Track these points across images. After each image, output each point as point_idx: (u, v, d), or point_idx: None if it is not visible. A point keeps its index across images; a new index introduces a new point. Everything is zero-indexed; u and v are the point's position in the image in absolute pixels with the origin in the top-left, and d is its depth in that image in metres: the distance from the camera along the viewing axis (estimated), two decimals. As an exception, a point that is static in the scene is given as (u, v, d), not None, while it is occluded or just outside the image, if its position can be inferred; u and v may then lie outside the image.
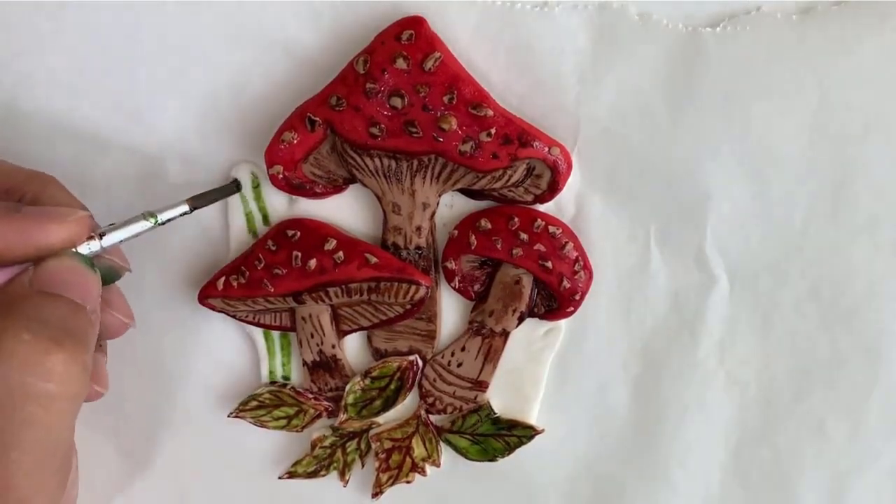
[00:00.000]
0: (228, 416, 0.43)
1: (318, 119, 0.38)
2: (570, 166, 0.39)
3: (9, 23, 0.39)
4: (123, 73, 0.40)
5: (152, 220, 0.36)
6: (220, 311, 0.41)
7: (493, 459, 0.42)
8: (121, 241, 0.35)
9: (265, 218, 0.41)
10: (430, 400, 0.42)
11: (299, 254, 0.39)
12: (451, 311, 0.42)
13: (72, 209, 0.34)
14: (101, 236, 0.34)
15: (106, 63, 0.39)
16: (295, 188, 0.39)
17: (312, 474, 0.43)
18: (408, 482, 0.43)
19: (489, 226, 0.39)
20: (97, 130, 0.40)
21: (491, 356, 0.41)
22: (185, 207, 0.37)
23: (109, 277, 0.36)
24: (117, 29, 0.39)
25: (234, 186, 0.40)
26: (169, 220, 0.36)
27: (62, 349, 0.31)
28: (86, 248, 0.34)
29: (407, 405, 0.43)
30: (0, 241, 0.32)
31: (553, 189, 0.39)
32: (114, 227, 0.35)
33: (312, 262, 0.39)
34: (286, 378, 0.43)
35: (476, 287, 0.41)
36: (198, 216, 0.41)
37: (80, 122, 0.40)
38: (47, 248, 0.32)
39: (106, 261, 0.35)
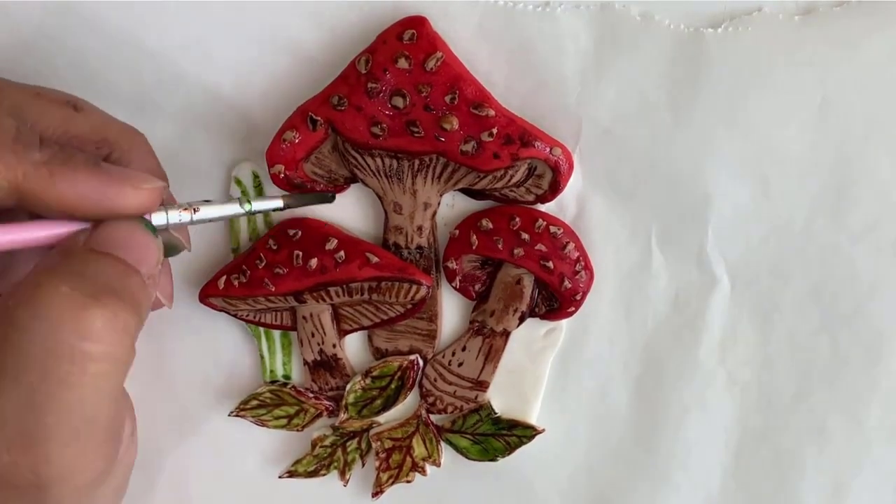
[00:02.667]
0: (229, 416, 0.43)
1: (319, 118, 0.38)
2: (571, 166, 0.39)
3: (12, 21, 0.39)
4: (125, 72, 0.40)
5: (246, 207, 0.36)
6: (220, 310, 0.41)
7: (493, 459, 0.42)
8: (210, 219, 0.35)
9: (266, 217, 0.41)
10: (431, 399, 0.42)
11: (300, 253, 0.39)
12: (451, 310, 0.42)
13: (150, 177, 0.33)
14: (194, 210, 0.34)
15: (107, 62, 0.39)
16: (296, 187, 0.39)
17: (313, 474, 0.43)
18: (408, 482, 0.43)
19: (490, 226, 0.39)
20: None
21: (492, 356, 0.41)
22: (279, 203, 0.37)
23: (167, 252, 0.35)
24: (119, 28, 0.39)
25: (331, 196, 0.40)
26: (259, 212, 0.37)
27: (101, 306, 0.29)
28: (161, 218, 0.33)
29: (407, 405, 0.43)
30: (73, 193, 0.31)
31: (554, 189, 0.39)
32: (208, 203, 0.35)
33: (313, 262, 0.39)
34: (287, 377, 0.43)
35: (477, 287, 0.41)
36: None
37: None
38: (117, 210, 0.32)
39: (169, 235, 0.34)
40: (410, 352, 0.42)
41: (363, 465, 0.43)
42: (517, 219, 0.39)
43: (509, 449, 0.42)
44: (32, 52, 0.39)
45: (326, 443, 0.43)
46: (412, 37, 0.37)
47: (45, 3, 0.39)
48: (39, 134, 0.32)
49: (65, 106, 0.34)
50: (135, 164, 0.34)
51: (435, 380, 0.42)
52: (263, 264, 0.39)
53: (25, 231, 0.31)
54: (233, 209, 0.35)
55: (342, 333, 0.42)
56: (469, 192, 0.40)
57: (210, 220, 0.35)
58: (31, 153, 0.31)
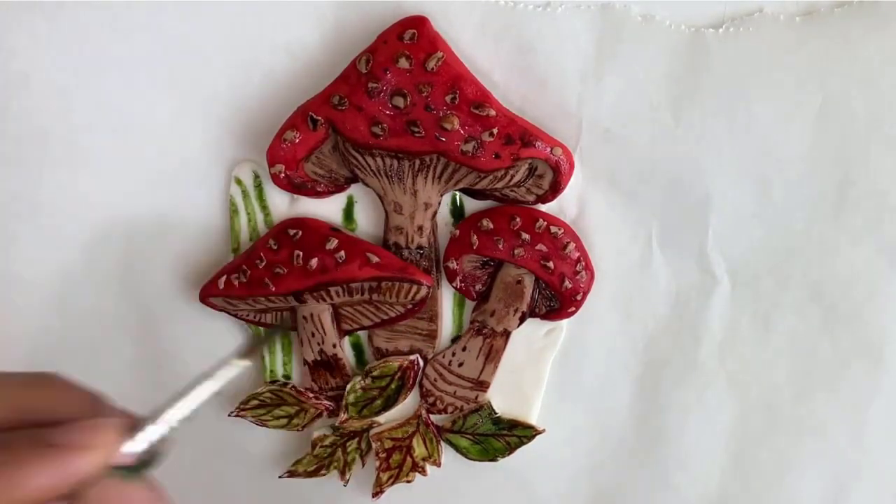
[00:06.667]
0: (229, 416, 0.43)
1: (320, 118, 0.38)
2: (572, 166, 0.39)
3: (4, 22, 0.39)
4: (122, 73, 0.39)
5: (212, 382, 0.32)
6: (221, 310, 0.41)
7: (493, 459, 0.42)
8: (161, 435, 0.31)
9: (267, 217, 0.41)
10: (431, 399, 0.42)
11: (301, 253, 0.39)
12: (452, 311, 0.42)
13: (96, 421, 0.29)
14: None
15: (104, 63, 0.39)
16: (297, 187, 0.39)
17: (313, 473, 0.43)
18: (408, 482, 0.43)
19: (491, 226, 0.39)
20: (93, 131, 0.40)
21: (492, 356, 0.41)
22: (238, 362, 0.33)
23: (150, 464, 0.31)
24: (116, 29, 0.39)
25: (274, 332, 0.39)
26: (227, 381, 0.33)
27: None
28: (130, 451, 0.30)
29: (408, 405, 0.43)
30: (37, 489, 0.27)
31: (555, 189, 0.39)
32: (151, 419, 0.31)
33: (314, 262, 0.39)
34: (287, 377, 0.43)
35: (477, 287, 0.41)
36: (198, 213, 0.41)
37: (75, 123, 0.40)
38: (89, 480, 0.28)
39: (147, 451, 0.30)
40: (411, 352, 0.42)
41: (363, 465, 0.43)
42: (518, 219, 0.39)
43: (509, 449, 0.42)
44: (22, 53, 0.39)
45: (326, 443, 0.43)
46: (413, 36, 0.37)
47: (36, 4, 0.39)
48: None
49: None
50: (61, 410, 0.30)
51: (435, 380, 0.42)
52: (263, 264, 0.39)
53: None
54: (201, 394, 0.32)
55: (342, 333, 0.42)
56: (470, 192, 0.40)
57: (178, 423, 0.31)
58: None
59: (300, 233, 0.40)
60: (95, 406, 0.30)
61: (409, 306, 0.40)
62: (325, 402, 0.43)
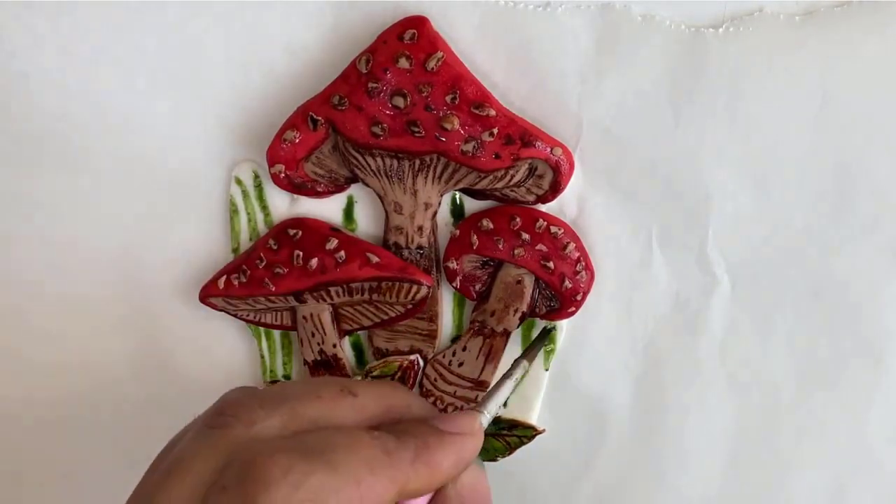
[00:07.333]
0: (229, 416, 0.43)
1: (320, 118, 0.38)
2: (572, 166, 0.39)
3: (4, 22, 0.39)
4: (122, 73, 0.39)
5: (513, 383, 0.38)
6: (221, 310, 0.41)
7: (493, 459, 0.42)
8: (496, 412, 0.36)
9: (267, 217, 0.41)
10: (431, 399, 0.42)
11: (301, 253, 0.39)
12: (452, 310, 0.42)
13: (471, 412, 0.33)
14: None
15: (103, 64, 0.39)
16: (297, 187, 0.39)
17: (313, 474, 0.43)
18: (408, 482, 0.43)
19: (491, 226, 0.39)
20: (93, 131, 0.40)
21: (492, 356, 0.41)
22: (525, 363, 0.39)
23: None
24: (115, 29, 0.39)
25: (550, 328, 0.41)
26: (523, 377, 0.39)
27: None
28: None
29: (408, 405, 0.43)
30: (447, 468, 0.31)
31: (555, 189, 0.39)
32: (488, 398, 0.35)
33: (314, 262, 0.39)
34: (287, 377, 0.43)
35: (477, 287, 0.41)
36: (198, 213, 0.41)
37: (75, 123, 0.40)
38: (469, 462, 0.32)
39: None
40: (411, 352, 0.42)
41: (363, 465, 0.43)
42: (518, 219, 0.39)
43: (509, 449, 0.42)
44: (21, 54, 0.39)
45: (326, 443, 0.43)
46: (413, 37, 0.37)
47: (35, 4, 0.39)
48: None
49: (347, 396, 0.32)
50: (415, 408, 0.34)
51: (435, 380, 0.42)
52: (263, 264, 0.39)
53: None
54: (508, 390, 0.37)
55: (342, 333, 0.42)
56: (470, 192, 0.40)
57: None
58: (401, 455, 0.30)
59: (300, 233, 0.40)
60: (428, 405, 0.34)
61: (409, 306, 0.40)
62: (325, 402, 0.43)
